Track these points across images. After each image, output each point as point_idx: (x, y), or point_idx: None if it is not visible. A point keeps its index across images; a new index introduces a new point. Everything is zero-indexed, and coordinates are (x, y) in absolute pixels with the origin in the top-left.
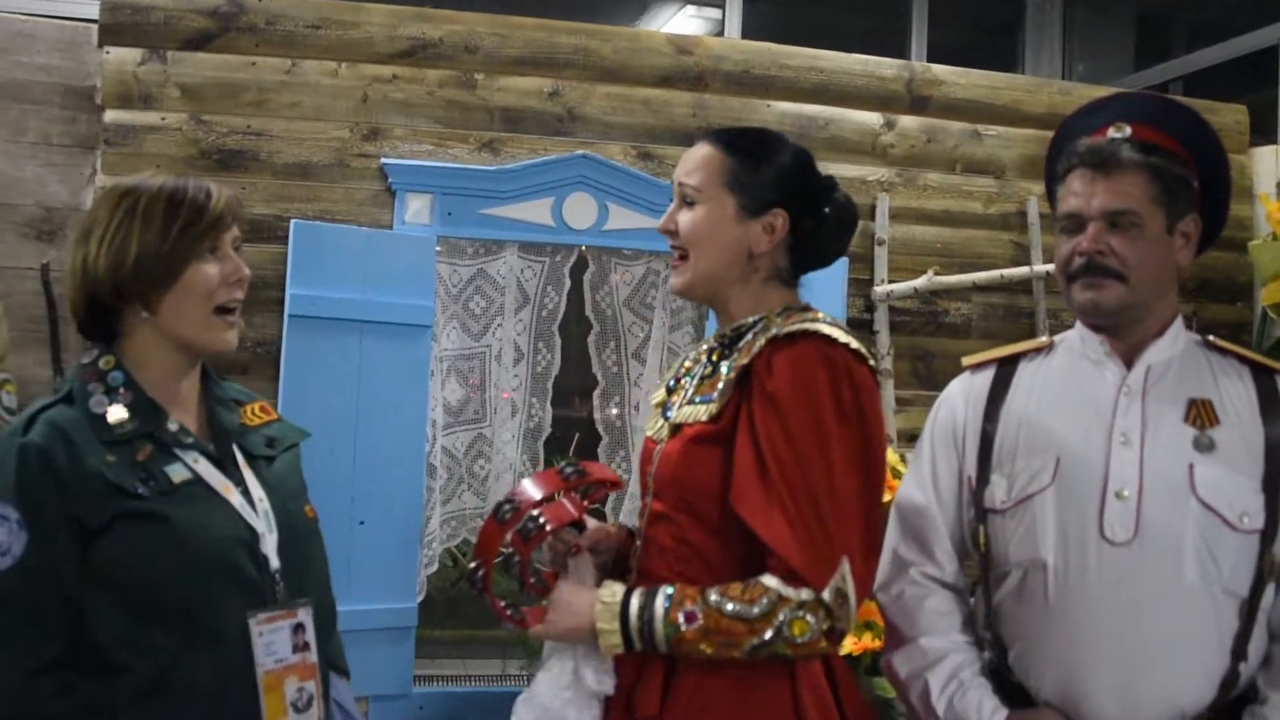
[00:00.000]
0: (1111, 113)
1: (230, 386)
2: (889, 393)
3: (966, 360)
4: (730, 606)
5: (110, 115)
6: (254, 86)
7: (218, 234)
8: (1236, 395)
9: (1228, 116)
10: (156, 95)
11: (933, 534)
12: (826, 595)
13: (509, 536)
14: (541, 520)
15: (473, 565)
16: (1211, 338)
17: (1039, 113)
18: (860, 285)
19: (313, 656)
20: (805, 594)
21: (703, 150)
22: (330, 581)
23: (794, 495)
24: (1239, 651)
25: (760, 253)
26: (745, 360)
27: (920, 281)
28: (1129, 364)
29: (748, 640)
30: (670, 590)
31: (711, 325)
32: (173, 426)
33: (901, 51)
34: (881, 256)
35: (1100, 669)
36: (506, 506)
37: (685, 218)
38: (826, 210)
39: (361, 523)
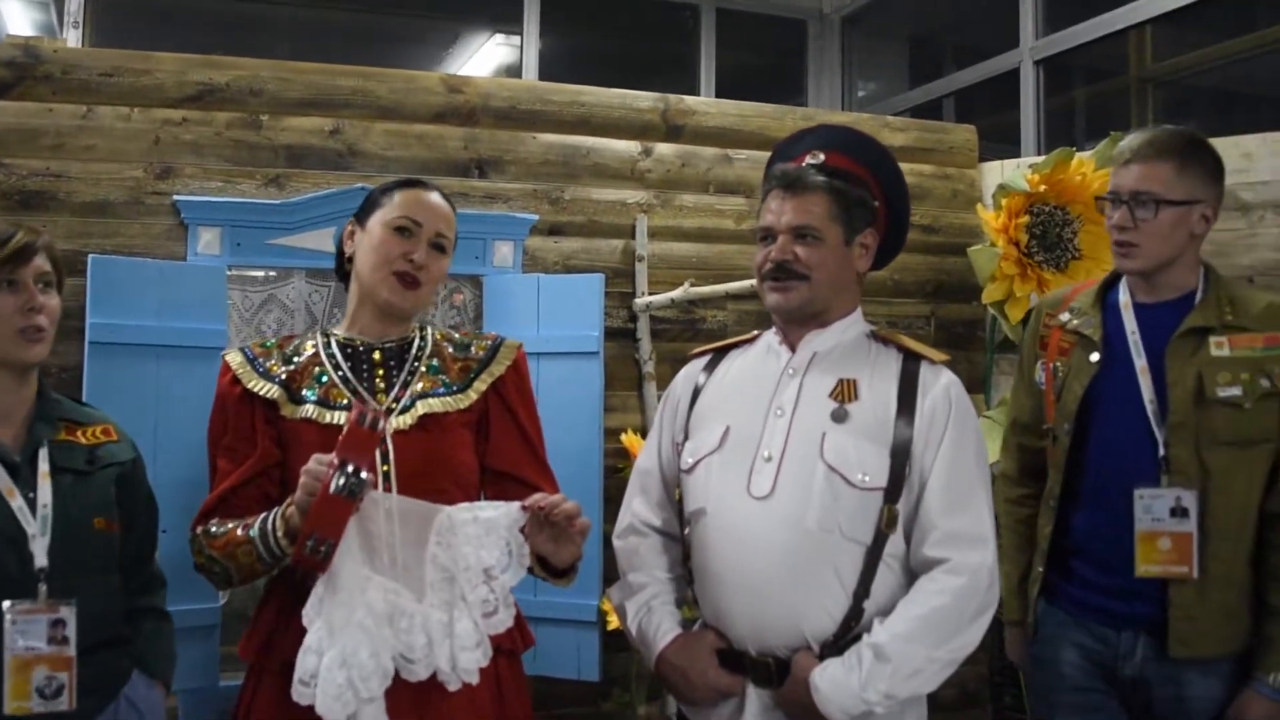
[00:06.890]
0: (811, 142)
1: (74, 408)
2: (651, 394)
3: (693, 350)
4: None
5: None
6: (52, 131)
7: (14, 269)
8: (882, 377)
9: (958, 136)
10: None
11: (653, 490)
12: None
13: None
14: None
15: (318, 539)
16: (878, 330)
17: (784, 136)
18: (623, 298)
19: (70, 651)
20: None
21: (448, 208)
22: (119, 588)
23: (542, 452)
24: (861, 592)
25: None
26: (501, 366)
27: (677, 293)
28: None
29: None
30: None
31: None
32: None
33: (692, 78)
34: (642, 272)
35: (736, 598)
36: (355, 481)
37: (439, 263)
38: None
39: (164, 531)
